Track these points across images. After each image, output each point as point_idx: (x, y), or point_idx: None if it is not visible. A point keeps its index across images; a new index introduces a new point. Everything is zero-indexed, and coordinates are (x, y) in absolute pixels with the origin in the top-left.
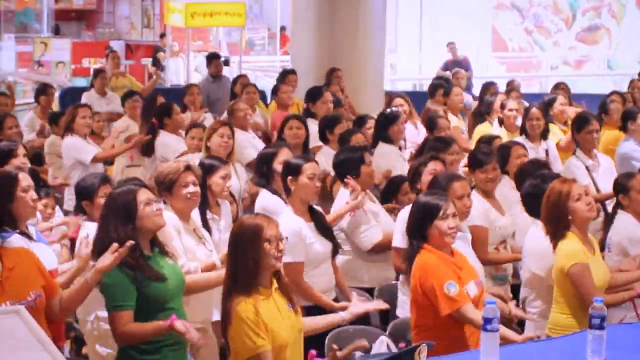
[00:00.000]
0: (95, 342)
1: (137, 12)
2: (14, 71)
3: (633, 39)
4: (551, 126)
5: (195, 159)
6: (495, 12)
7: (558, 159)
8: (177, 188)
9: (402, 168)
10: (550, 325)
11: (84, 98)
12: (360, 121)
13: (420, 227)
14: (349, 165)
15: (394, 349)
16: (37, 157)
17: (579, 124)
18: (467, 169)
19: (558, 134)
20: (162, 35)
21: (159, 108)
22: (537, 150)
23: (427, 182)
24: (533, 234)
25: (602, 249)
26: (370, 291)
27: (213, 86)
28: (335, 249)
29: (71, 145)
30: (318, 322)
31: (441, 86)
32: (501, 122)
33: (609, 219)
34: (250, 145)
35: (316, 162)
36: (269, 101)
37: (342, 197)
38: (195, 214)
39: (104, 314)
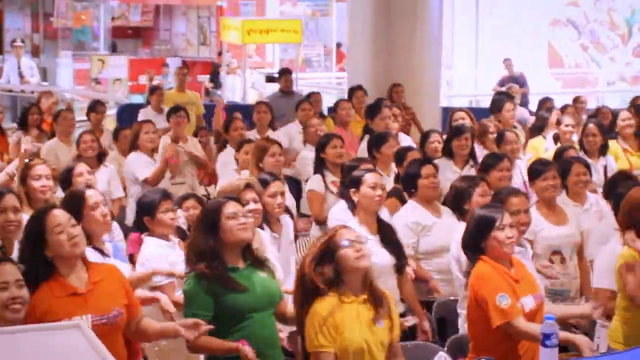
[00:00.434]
0: (156, 358)
1: (193, 29)
2: (72, 88)
3: None
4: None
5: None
6: (551, 29)
7: None
8: None
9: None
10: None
11: (141, 115)
12: (425, 137)
13: (478, 240)
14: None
15: None
16: None
17: None
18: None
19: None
20: (220, 53)
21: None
22: (595, 167)
23: (478, 202)
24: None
25: None
26: (429, 305)
27: (282, 101)
28: (401, 264)
29: (131, 162)
30: None
31: (503, 101)
32: (557, 137)
33: None
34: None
35: (378, 173)
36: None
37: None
38: (264, 233)
39: None
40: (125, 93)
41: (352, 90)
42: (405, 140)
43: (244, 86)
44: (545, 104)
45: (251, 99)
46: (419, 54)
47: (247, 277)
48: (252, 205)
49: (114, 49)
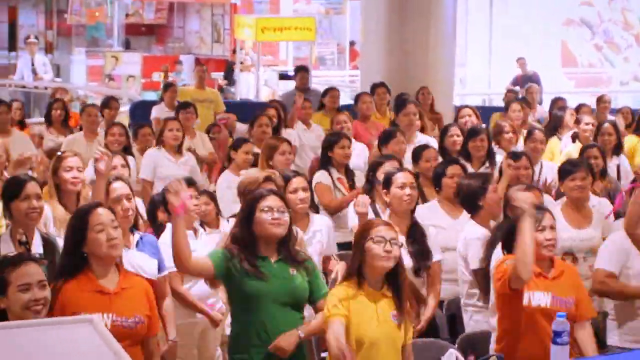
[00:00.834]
0: None
1: (207, 26)
2: (85, 85)
3: None
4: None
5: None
6: (565, 28)
7: (630, 175)
8: None
9: None
10: None
11: (154, 112)
12: (444, 131)
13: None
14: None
15: None
16: None
17: None
18: None
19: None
20: (235, 51)
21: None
22: (608, 166)
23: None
24: None
25: None
26: (440, 304)
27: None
28: (418, 267)
29: (147, 156)
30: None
31: (510, 101)
32: (575, 136)
33: None
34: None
35: (410, 172)
36: None
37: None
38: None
39: None
40: (139, 90)
41: (374, 87)
42: (426, 141)
43: (258, 83)
44: (557, 103)
45: (264, 97)
46: (433, 52)
47: (273, 269)
48: None
49: (127, 46)
